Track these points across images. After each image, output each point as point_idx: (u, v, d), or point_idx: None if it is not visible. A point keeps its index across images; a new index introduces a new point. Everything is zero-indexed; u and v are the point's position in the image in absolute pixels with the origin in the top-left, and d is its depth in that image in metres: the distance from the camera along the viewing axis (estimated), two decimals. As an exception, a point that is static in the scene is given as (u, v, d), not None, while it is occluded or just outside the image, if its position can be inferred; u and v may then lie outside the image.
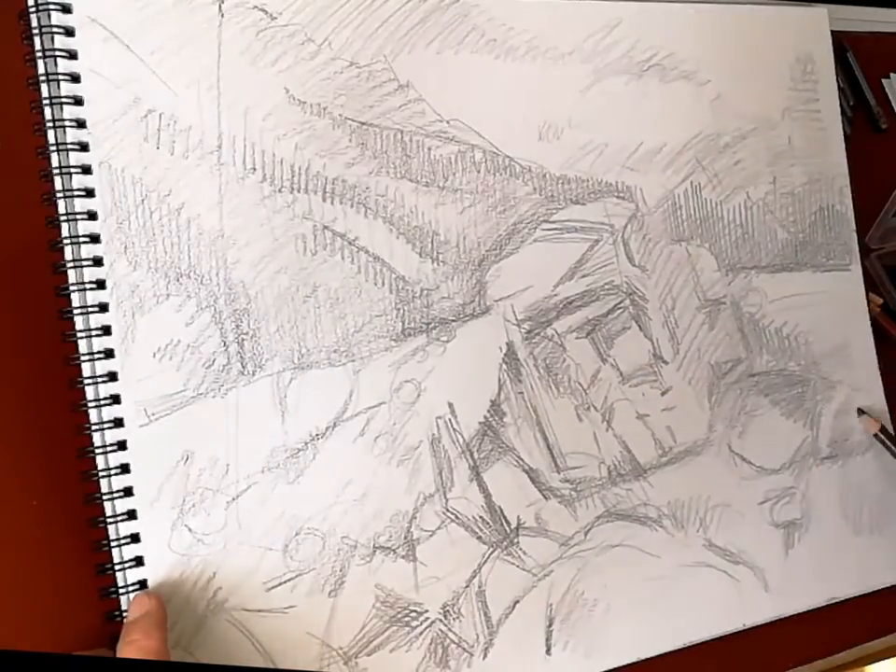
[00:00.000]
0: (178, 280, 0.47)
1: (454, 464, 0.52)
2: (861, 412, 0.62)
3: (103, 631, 0.44)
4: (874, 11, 0.79)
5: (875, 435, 0.61)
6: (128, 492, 0.45)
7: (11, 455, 0.46)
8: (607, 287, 0.57)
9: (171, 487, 0.46)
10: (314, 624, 0.48)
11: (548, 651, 0.53)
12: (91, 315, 0.45)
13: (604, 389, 0.56)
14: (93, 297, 0.45)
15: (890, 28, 0.80)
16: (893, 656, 0.64)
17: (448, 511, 0.51)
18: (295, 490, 0.48)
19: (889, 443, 0.60)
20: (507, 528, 0.53)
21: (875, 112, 0.75)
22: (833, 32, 0.66)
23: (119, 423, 0.45)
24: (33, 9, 0.45)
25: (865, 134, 0.74)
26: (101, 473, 0.45)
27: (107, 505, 0.45)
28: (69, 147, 0.45)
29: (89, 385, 0.45)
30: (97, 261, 0.45)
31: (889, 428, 0.64)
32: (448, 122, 0.53)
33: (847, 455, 0.63)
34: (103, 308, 0.45)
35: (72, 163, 0.45)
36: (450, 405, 0.52)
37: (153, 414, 0.46)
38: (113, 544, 0.44)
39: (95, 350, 0.45)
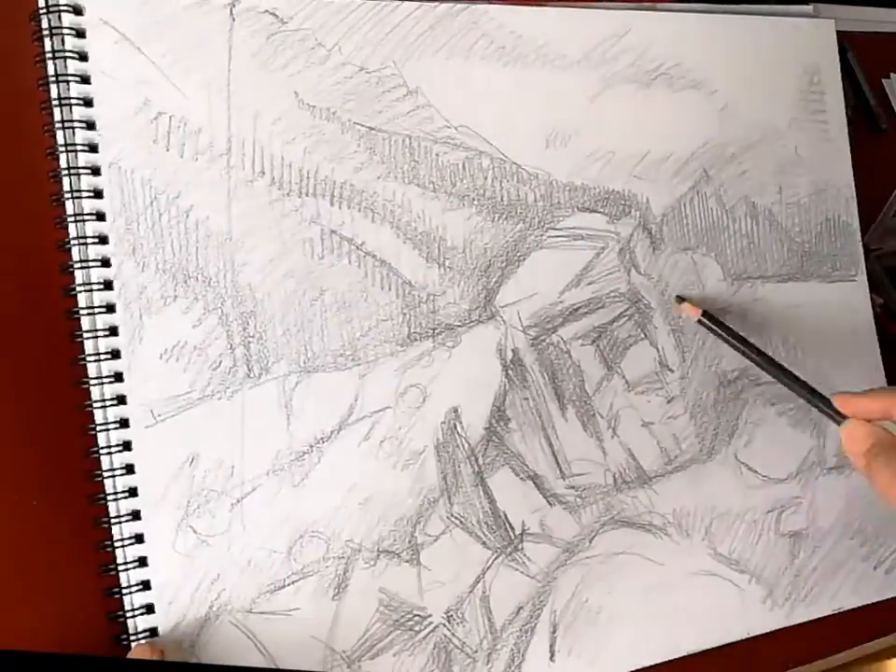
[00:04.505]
0: (186, 282, 0.47)
1: (458, 469, 0.52)
2: (680, 299, 0.59)
3: (105, 631, 0.44)
4: (874, 11, 0.79)
5: (699, 321, 0.58)
6: (132, 492, 0.45)
7: (16, 455, 0.46)
8: (613, 294, 0.57)
9: (176, 488, 0.46)
10: (317, 627, 0.48)
11: (552, 658, 0.53)
12: (98, 316, 0.45)
13: (609, 396, 0.56)
14: (101, 297, 0.45)
15: (890, 28, 0.80)
16: (894, 656, 0.64)
17: (452, 515, 0.51)
18: (300, 493, 0.48)
19: (714, 327, 0.57)
20: (511, 534, 0.53)
21: (875, 112, 0.75)
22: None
23: (124, 423, 0.45)
24: (44, 10, 0.45)
25: (865, 134, 0.74)
26: (105, 473, 0.45)
27: (112, 505, 0.45)
28: (78, 147, 0.45)
29: (94, 385, 0.45)
30: (105, 262, 0.46)
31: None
32: (456, 129, 0.53)
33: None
34: (110, 309, 0.45)
35: (81, 164, 0.45)
36: (455, 410, 0.52)
37: (159, 415, 0.46)
38: (117, 544, 0.45)
39: (102, 350, 0.45)
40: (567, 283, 0.56)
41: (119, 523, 0.45)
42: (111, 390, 0.45)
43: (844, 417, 0.49)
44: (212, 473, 0.46)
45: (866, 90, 0.76)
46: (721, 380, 0.60)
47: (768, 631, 0.59)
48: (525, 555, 0.53)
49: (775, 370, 0.54)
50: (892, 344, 0.66)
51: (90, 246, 0.45)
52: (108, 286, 0.45)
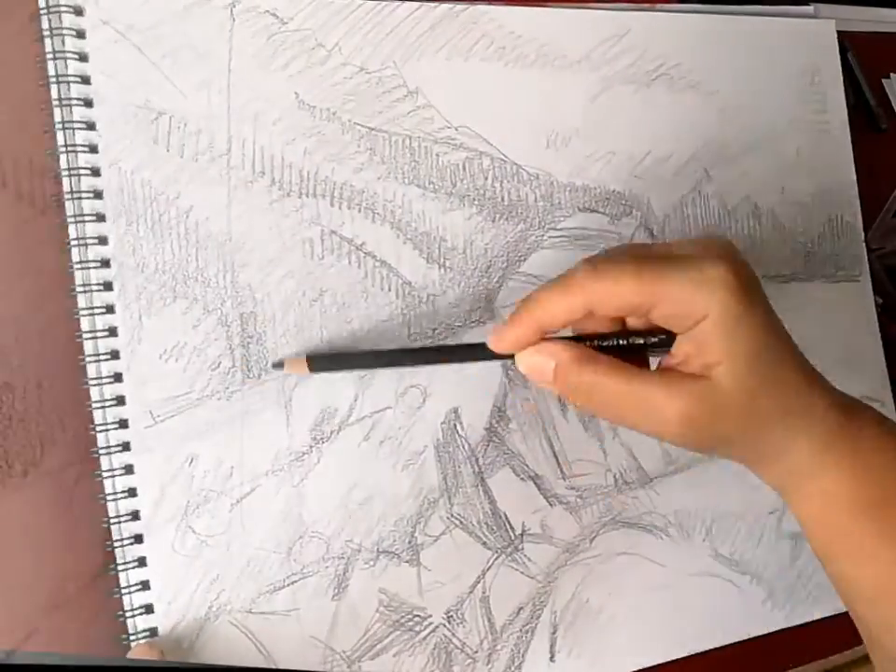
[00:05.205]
0: (185, 283, 0.47)
1: (459, 469, 0.52)
2: (278, 365, 0.48)
3: (105, 631, 0.44)
4: (874, 11, 0.79)
5: (310, 369, 0.47)
6: (132, 493, 0.45)
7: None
8: (614, 294, 0.57)
9: (175, 489, 0.46)
10: (317, 627, 0.48)
11: (552, 658, 0.52)
12: (97, 317, 0.45)
13: (610, 397, 0.56)
14: (100, 298, 0.45)
15: (890, 28, 0.79)
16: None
17: (452, 516, 0.51)
18: (299, 493, 0.48)
19: (331, 365, 0.48)
20: (511, 534, 0.53)
21: (875, 112, 0.75)
22: (833, 31, 0.66)
23: (123, 424, 0.45)
24: (44, 11, 0.45)
25: (865, 134, 0.73)
26: (105, 474, 0.45)
27: (111, 505, 0.45)
28: (78, 148, 0.45)
29: (94, 385, 0.45)
30: (105, 263, 0.46)
31: None
32: (456, 129, 0.53)
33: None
34: (109, 309, 0.45)
35: (81, 165, 0.45)
36: (455, 410, 0.52)
37: (158, 416, 0.46)
38: (116, 544, 0.44)
39: (101, 351, 0.45)
40: (569, 283, 0.56)
41: (119, 523, 0.45)
42: (111, 391, 0.45)
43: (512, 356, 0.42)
44: (211, 474, 0.46)
45: (866, 90, 0.75)
46: (722, 380, 0.60)
47: (767, 632, 0.58)
48: (525, 556, 0.53)
49: (416, 357, 0.48)
50: (892, 344, 0.66)
51: (89, 247, 0.45)
52: (108, 286, 0.46)
